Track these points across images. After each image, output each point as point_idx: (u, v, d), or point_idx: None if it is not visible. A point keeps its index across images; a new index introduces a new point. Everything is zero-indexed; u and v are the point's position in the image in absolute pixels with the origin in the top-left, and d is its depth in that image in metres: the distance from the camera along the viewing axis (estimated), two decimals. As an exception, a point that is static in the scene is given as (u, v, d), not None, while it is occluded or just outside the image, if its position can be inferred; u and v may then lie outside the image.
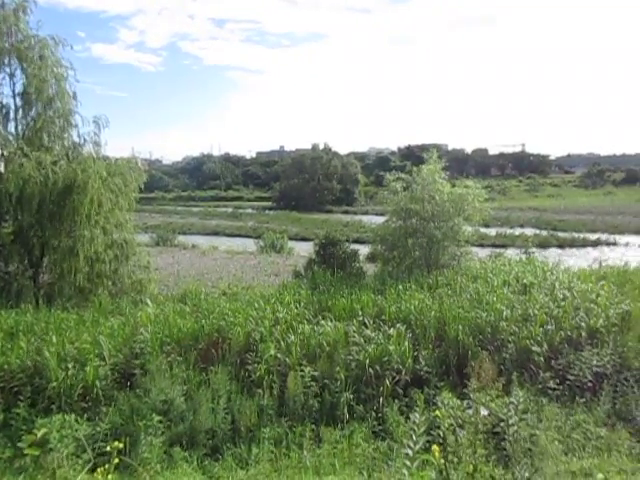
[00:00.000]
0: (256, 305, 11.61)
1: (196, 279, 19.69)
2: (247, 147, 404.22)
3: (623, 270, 15.64)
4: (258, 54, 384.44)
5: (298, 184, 73.42)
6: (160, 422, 7.40)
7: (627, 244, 34.22)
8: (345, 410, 8.32)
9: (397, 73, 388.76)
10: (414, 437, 2.58)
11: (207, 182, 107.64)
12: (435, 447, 2.53)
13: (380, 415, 8.21)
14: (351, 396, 8.52)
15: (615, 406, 8.29)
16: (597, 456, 6.85)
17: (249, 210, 68.12)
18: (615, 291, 12.31)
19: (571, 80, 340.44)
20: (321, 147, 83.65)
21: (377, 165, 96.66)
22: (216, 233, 44.14)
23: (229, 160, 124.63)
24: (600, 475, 2.36)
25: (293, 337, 9.70)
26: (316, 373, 8.77)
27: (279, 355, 9.27)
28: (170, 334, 10.06)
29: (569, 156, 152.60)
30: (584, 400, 8.45)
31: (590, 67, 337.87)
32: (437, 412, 3.46)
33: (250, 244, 33.60)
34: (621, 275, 14.66)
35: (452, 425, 6.52)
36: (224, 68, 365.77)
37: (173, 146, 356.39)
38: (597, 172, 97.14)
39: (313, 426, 7.86)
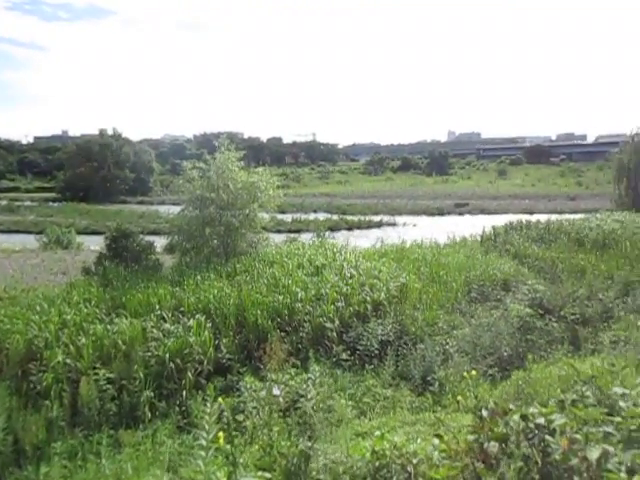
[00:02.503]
0: (38, 308, 10.46)
1: (-38, 285, 16.97)
2: (22, 131, 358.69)
3: (401, 247, 17.46)
4: (32, 26, 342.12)
5: (86, 173, 67.54)
6: None
7: (404, 224, 38.43)
8: (146, 409, 8.00)
9: (191, 58, 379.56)
10: (206, 427, 2.57)
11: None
12: (220, 434, 2.56)
13: (184, 409, 8.07)
14: (152, 394, 8.21)
15: (398, 368, 9.29)
16: (385, 414, 7.62)
17: (28, 202, 60.68)
18: (394, 266, 13.76)
19: (354, 75, 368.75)
20: (110, 133, 77.99)
21: (172, 153, 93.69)
22: (-13, 230, 38.58)
23: (0, 146, 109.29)
24: (377, 432, 2.63)
25: (84, 339, 8.99)
26: (112, 375, 8.28)
27: (68, 361, 8.53)
28: None
29: (354, 145, 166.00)
30: (372, 366, 9.34)
31: (371, 63, 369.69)
32: (220, 399, 3.49)
33: (31, 241, 30.01)
34: (399, 252, 16.38)
35: (255, 407, 6.70)
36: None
37: None
38: (378, 160, 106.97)
39: (112, 431, 7.40)
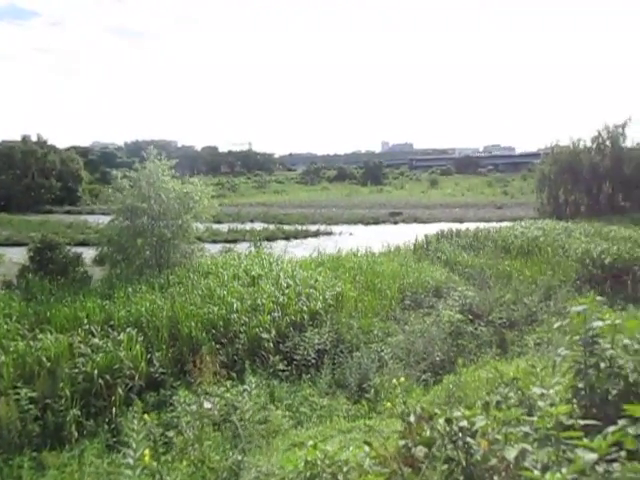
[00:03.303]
0: (-48, 326, 9.79)
1: None
2: None
3: (337, 256, 17.66)
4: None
5: (7, 181, 63.91)
6: None
7: (341, 233, 38.78)
8: (73, 428, 7.65)
9: (121, 63, 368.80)
10: (134, 445, 2.49)
11: None
12: (146, 451, 2.48)
13: (114, 426, 7.76)
14: (79, 412, 7.87)
15: (334, 376, 9.34)
16: (321, 423, 7.63)
17: (-58, 212, 56.88)
18: (330, 275, 13.88)
19: (290, 85, 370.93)
20: (34, 139, 74.34)
21: (102, 161, 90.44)
22: None
23: None
24: (310, 442, 2.63)
25: (4, 357, 8.49)
26: (35, 394, 7.85)
27: (-14, 381, 8.02)
28: None
29: (291, 155, 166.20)
30: (309, 376, 9.35)
31: (307, 73, 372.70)
32: (146, 416, 3.38)
33: (-55, 254, 28.08)
34: (335, 261, 16.55)
35: (189, 422, 6.54)
36: None
37: None
38: (314, 170, 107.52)
39: (35, 453, 7.02)
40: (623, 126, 32.33)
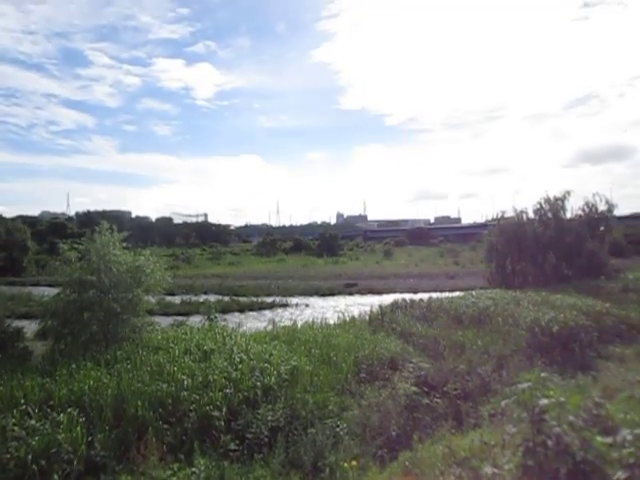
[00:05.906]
0: None
1: None
2: None
3: (292, 329, 17.44)
4: None
5: (-53, 252, 61.70)
6: None
7: (297, 304, 38.46)
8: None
9: (73, 132, 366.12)
10: None
11: None
12: None
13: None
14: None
15: (288, 455, 8.97)
16: (274, 508, 7.27)
17: None
18: (285, 349, 13.65)
19: (246, 153, 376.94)
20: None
21: (51, 231, 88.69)
22: None
23: None
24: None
25: None
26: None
27: None
28: None
29: (247, 226, 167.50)
30: (262, 455, 8.96)
31: (260, 143, 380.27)
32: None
33: None
34: (290, 333, 16.32)
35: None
36: None
37: None
38: (270, 241, 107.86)
39: None
40: (563, 199, 34.06)
